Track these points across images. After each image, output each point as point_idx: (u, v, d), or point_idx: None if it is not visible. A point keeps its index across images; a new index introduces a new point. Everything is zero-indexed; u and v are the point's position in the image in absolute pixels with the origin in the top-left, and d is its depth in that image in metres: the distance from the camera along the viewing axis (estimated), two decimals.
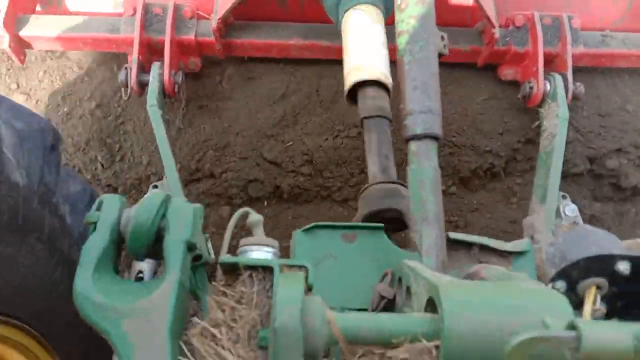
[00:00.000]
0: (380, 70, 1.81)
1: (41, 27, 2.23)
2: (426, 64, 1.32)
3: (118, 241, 1.09)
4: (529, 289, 0.91)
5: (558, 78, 2.26)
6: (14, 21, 2.20)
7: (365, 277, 1.39)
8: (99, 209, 1.08)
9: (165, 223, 1.07)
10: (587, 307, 1.06)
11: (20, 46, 2.25)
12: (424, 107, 1.30)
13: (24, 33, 2.21)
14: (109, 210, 1.07)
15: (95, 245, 1.04)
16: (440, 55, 1.38)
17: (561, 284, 1.11)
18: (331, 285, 1.41)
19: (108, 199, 1.09)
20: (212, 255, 1.41)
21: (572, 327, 0.71)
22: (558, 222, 1.41)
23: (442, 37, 1.40)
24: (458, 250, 1.43)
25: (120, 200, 1.10)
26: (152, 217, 1.05)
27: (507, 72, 2.41)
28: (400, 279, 1.24)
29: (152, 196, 1.08)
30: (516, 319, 0.84)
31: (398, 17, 1.38)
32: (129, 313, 0.98)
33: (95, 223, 1.06)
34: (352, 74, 1.83)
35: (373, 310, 1.25)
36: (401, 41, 1.36)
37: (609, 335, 0.70)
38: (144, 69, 2.22)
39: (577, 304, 1.10)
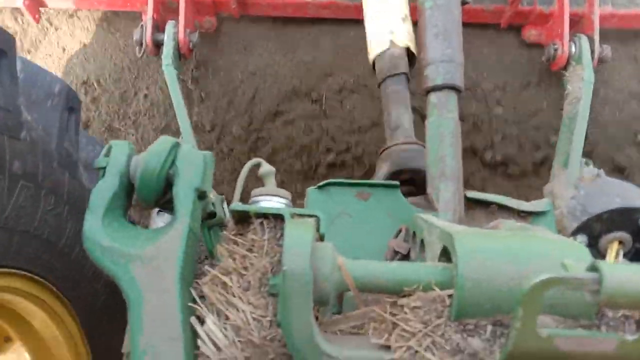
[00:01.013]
0: (403, 36, 1.77)
1: None
2: (449, 11, 1.26)
3: (128, 188, 1.08)
4: (546, 238, 0.88)
5: (584, 40, 2.17)
6: None
7: (379, 235, 1.37)
8: (107, 154, 1.07)
9: (174, 170, 1.05)
10: (609, 262, 1.02)
11: (35, 5, 2.24)
12: (445, 56, 1.24)
13: None
14: (118, 155, 1.06)
15: (104, 190, 1.03)
16: (463, 3, 1.31)
17: (582, 238, 1.07)
18: (345, 242, 1.39)
19: (116, 144, 1.07)
20: (228, 216, 1.39)
21: (593, 268, 0.68)
22: (579, 175, 1.36)
23: None
24: (475, 209, 1.39)
25: (128, 146, 1.07)
26: (161, 163, 1.03)
27: (531, 34, 2.33)
28: (414, 235, 1.21)
29: (161, 142, 1.06)
30: (532, 265, 0.81)
31: None
32: (139, 257, 0.97)
33: (104, 168, 1.05)
34: (375, 42, 1.79)
35: None
36: None
37: (632, 277, 0.66)
38: (158, 28, 2.19)
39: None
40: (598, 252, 1.08)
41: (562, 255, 0.80)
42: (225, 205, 1.51)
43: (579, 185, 1.16)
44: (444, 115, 1.26)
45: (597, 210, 1.05)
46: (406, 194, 1.58)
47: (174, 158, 1.05)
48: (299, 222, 0.95)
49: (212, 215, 1.35)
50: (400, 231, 1.28)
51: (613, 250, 1.04)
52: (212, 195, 1.34)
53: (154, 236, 1.01)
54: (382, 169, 1.65)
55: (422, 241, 1.10)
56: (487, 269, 0.82)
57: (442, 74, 1.26)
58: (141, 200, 1.06)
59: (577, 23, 2.23)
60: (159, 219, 1.93)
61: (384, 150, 1.70)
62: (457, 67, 1.27)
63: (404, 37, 1.76)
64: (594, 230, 1.06)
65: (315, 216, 1.02)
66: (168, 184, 1.06)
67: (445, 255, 0.93)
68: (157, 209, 1.64)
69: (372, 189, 1.45)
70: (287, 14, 2.30)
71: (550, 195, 1.96)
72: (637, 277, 0.66)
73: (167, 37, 2.12)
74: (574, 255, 0.80)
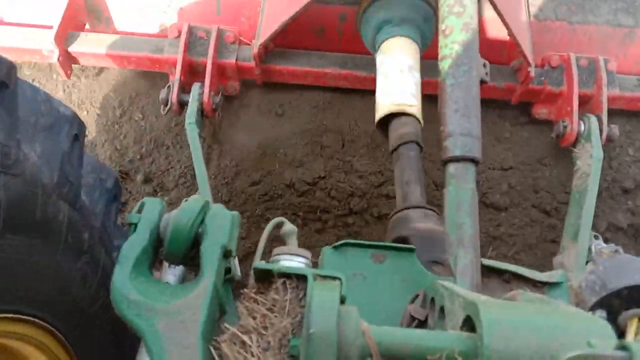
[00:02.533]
0: (408, 101, 1.85)
1: (89, 44, 2.33)
2: (468, 88, 1.34)
3: (156, 244, 1.11)
4: (570, 312, 0.89)
5: (593, 119, 2.25)
6: (65, 37, 2.30)
7: (394, 299, 1.37)
8: (140, 211, 1.10)
9: (203, 228, 1.08)
10: (629, 339, 1.02)
11: (68, 61, 2.35)
12: (464, 130, 1.31)
13: (72, 49, 2.31)
14: (150, 212, 1.09)
15: (134, 245, 1.06)
16: (482, 81, 1.39)
17: (601, 313, 1.07)
18: (359, 304, 1.39)
19: (149, 201, 1.11)
20: (239, 273, 1.41)
21: (622, 347, 0.69)
22: (598, 250, 1.38)
23: (485, 65, 1.42)
24: (490, 277, 1.41)
25: (161, 203, 1.12)
26: (192, 222, 1.07)
27: (541, 111, 2.41)
28: (432, 301, 1.22)
29: (192, 201, 1.10)
30: (558, 339, 0.82)
31: (442, 42, 1.41)
32: (164, 312, 0.99)
33: (136, 224, 1.08)
34: (382, 105, 1.86)
35: None
36: (444, 65, 1.38)
37: None
38: (184, 89, 2.28)
39: (618, 336, 1.06)
40: (617, 328, 1.09)
41: (587, 331, 0.81)
42: (236, 261, 1.53)
43: (597, 260, 1.18)
44: (461, 185, 1.31)
45: (616, 286, 1.07)
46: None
47: (203, 217, 1.08)
48: (325, 284, 0.97)
49: (227, 271, 1.37)
50: (417, 296, 1.29)
51: (633, 326, 1.05)
52: None
53: (179, 292, 1.03)
54: (387, 235, 1.67)
55: (441, 308, 1.11)
56: (513, 342, 0.83)
57: (460, 146, 1.32)
58: (169, 256, 1.09)
59: (586, 103, 2.32)
60: (170, 272, 1.95)
61: (395, 213, 1.73)
62: (474, 141, 1.32)
63: (415, 102, 1.83)
64: (613, 306, 1.07)
65: (339, 278, 1.04)
66: (195, 242, 1.09)
67: (468, 324, 0.93)
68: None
69: (388, 251, 1.46)
70: (307, 82, 2.41)
71: (561, 267, 1.98)
72: None
73: (192, 98, 2.21)
74: (599, 332, 0.82)
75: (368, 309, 1.38)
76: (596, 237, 2.03)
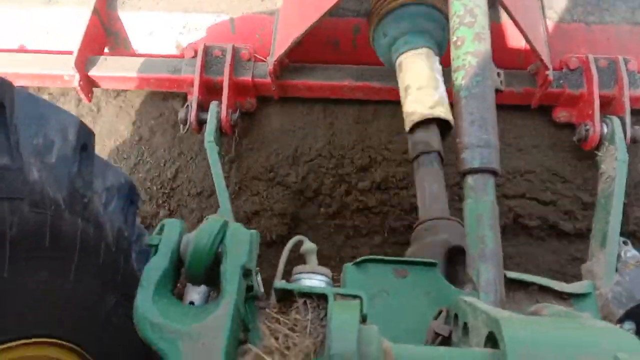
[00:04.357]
0: (443, 107, 1.84)
1: (109, 68, 2.38)
2: (483, 99, 1.32)
3: (177, 265, 1.12)
4: (596, 326, 0.87)
5: (616, 121, 2.20)
6: (84, 62, 2.35)
7: (418, 314, 1.36)
8: (160, 232, 1.12)
9: (223, 248, 1.09)
10: None
11: (89, 85, 2.40)
12: (481, 141, 1.29)
13: (92, 73, 2.36)
14: (170, 233, 1.11)
15: (156, 267, 1.07)
16: (496, 90, 1.38)
17: (630, 325, 1.05)
18: (384, 321, 1.38)
19: (169, 223, 1.12)
20: (262, 289, 1.41)
21: None
22: (623, 261, 1.35)
23: (499, 74, 1.41)
24: (515, 290, 1.38)
25: (180, 224, 1.13)
26: (211, 242, 1.08)
27: (562, 115, 2.38)
28: (455, 317, 1.21)
29: (211, 221, 1.11)
30: (583, 355, 0.80)
31: (454, 54, 1.40)
32: (187, 335, 0.99)
33: (156, 246, 1.09)
34: (416, 112, 1.85)
35: None
36: (457, 77, 1.37)
37: None
38: (202, 107, 2.31)
39: None
40: None
41: (612, 346, 0.79)
42: (259, 277, 1.53)
43: (622, 271, 1.15)
44: (481, 197, 1.29)
45: None
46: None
47: (222, 236, 1.09)
48: (345, 304, 0.96)
49: (250, 288, 1.37)
50: (440, 312, 1.28)
51: None
52: None
53: (201, 313, 1.04)
54: (415, 246, 1.65)
55: (465, 324, 1.09)
56: (536, 358, 0.81)
57: (478, 157, 1.30)
58: (190, 276, 1.10)
59: (608, 105, 2.28)
60: (193, 290, 1.96)
61: (419, 224, 1.71)
62: (492, 151, 1.31)
63: (439, 109, 1.83)
64: None
65: (359, 297, 1.04)
66: (216, 261, 1.10)
67: (491, 340, 0.92)
68: None
69: (410, 266, 1.45)
70: (324, 95, 2.41)
71: (589, 275, 1.94)
72: None
73: (210, 116, 2.24)
74: (626, 346, 0.80)
75: (393, 326, 1.37)
76: (625, 243, 1.99)
